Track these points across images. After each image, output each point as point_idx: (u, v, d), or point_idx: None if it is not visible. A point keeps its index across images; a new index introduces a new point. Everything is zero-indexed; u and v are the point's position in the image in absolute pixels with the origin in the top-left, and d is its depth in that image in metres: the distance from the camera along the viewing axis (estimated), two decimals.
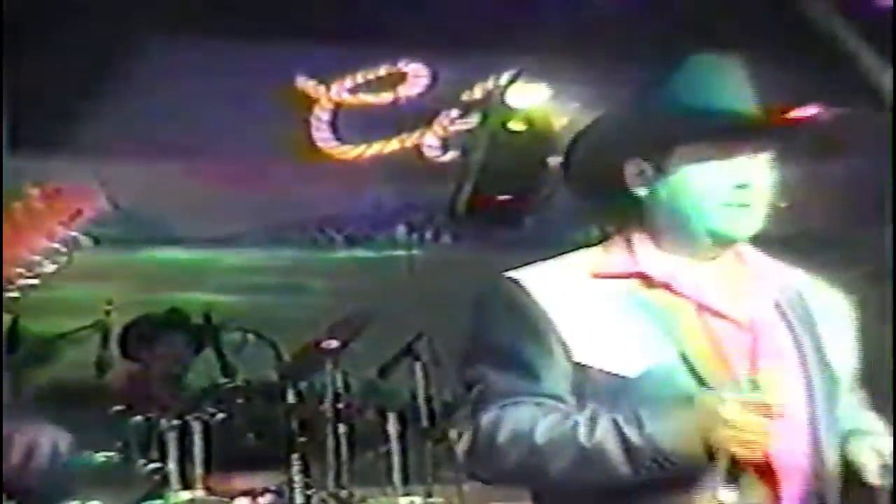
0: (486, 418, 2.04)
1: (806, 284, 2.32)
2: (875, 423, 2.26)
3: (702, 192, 2.14)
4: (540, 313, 2.08)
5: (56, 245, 2.03)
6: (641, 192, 2.19)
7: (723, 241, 2.13)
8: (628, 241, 2.18)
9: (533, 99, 5.61)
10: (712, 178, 2.13)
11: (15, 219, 2.01)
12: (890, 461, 2.09)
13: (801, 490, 2.06)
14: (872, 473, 2.06)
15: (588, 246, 2.27)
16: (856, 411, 2.24)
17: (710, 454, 1.96)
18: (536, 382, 2.03)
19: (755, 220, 2.16)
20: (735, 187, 2.11)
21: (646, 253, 2.16)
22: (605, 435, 1.98)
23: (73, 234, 2.05)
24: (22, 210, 2.02)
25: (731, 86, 2.25)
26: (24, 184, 2.02)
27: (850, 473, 2.09)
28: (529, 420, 2.02)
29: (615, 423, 1.97)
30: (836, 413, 2.13)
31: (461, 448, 2.10)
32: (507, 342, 2.10)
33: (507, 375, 2.06)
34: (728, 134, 2.17)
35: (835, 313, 2.29)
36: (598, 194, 2.29)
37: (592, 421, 2.00)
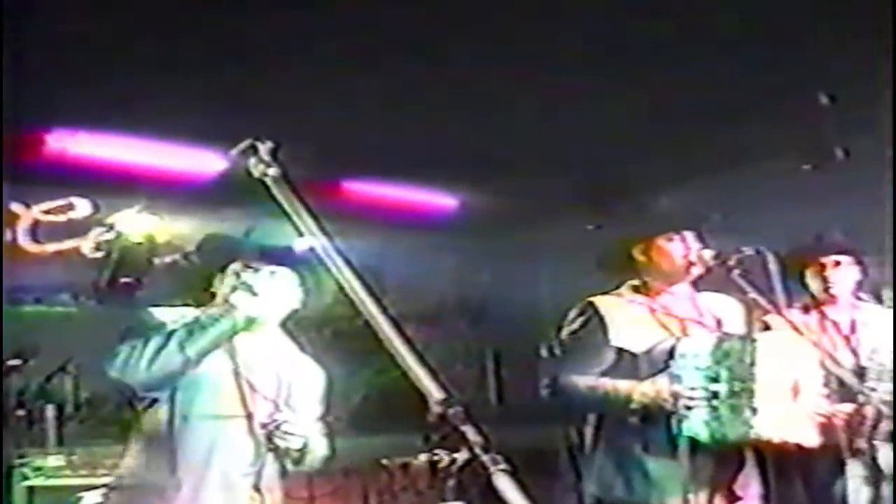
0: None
1: (298, 361, 3.21)
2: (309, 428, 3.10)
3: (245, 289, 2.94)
4: (157, 320, 2.98)
5: None
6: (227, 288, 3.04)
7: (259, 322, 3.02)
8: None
9: (147, 225, 5.44)
10: (252, 279, 2.94)
11: None
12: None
13: None
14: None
15: (198, 306, 3.07)
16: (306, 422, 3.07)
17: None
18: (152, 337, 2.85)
19: (277, 309, 3.00)
20: (257, 289, 2.91)
21: None
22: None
23: None
24: None
25: (265, 234, 2.94)
26: None
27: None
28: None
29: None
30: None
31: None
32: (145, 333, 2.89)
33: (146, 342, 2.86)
34: (261, 256, 2.97)
35: (308, 375, 3.23)
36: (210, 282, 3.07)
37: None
